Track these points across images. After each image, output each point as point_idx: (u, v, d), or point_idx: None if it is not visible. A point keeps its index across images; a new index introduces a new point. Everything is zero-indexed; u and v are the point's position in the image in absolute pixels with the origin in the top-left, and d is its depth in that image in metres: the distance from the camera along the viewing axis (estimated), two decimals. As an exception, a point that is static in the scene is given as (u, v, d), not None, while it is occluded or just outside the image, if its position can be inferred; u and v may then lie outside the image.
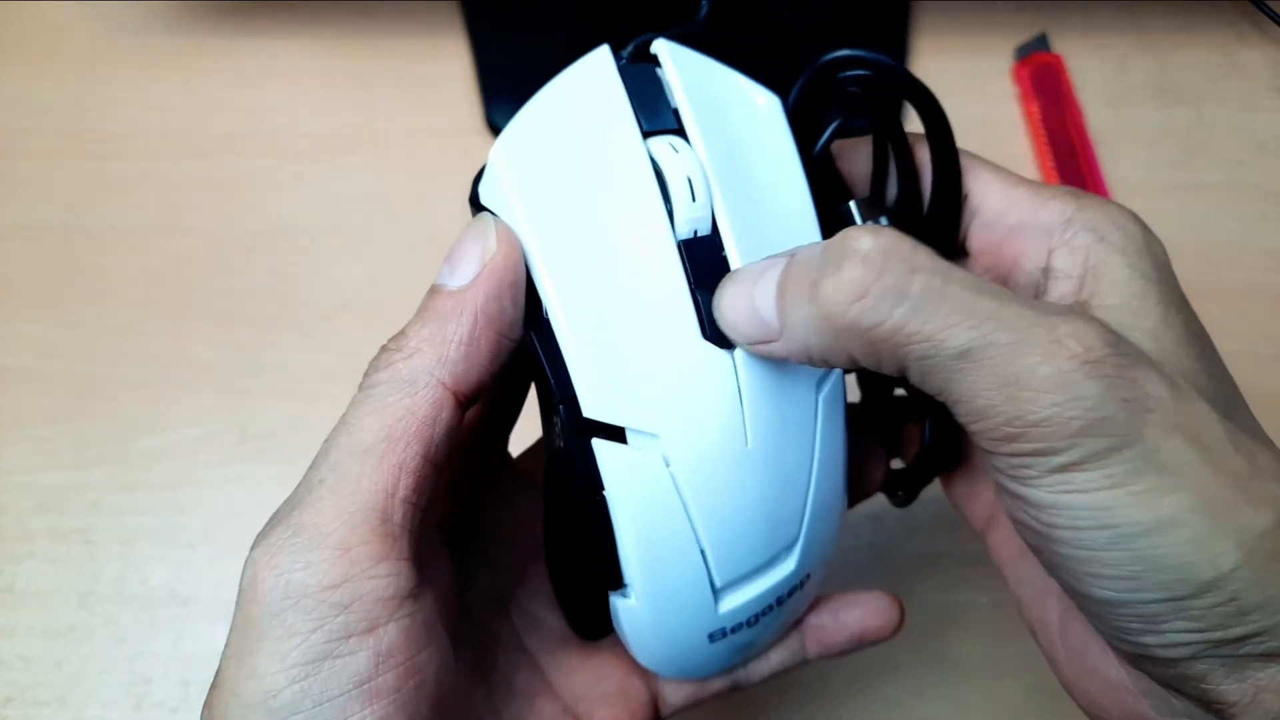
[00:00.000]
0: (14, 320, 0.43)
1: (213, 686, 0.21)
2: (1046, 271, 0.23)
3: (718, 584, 0.24)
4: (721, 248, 0.23)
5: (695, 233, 0.22)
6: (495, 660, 0.27)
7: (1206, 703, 0.20)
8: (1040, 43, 0.48)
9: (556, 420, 0.22)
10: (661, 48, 0.24)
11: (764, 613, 0.26)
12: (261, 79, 0.48)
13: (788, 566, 0.25)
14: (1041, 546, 0.20)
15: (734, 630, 0.25)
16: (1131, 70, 0.48)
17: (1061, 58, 0.48)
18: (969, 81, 0.48)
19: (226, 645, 0.21)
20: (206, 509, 0.40)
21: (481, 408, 0.27)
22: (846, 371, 0.25)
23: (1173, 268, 0.23)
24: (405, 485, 0.21)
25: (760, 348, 0.22)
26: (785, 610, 0.26)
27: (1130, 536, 0.18)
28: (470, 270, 0.22)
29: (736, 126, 0.24)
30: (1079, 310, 0.20)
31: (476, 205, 0.23)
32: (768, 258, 0.22)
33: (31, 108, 0.47)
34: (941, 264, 0.19)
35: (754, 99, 0.24)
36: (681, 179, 0.22)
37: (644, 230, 0.22)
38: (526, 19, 0.48)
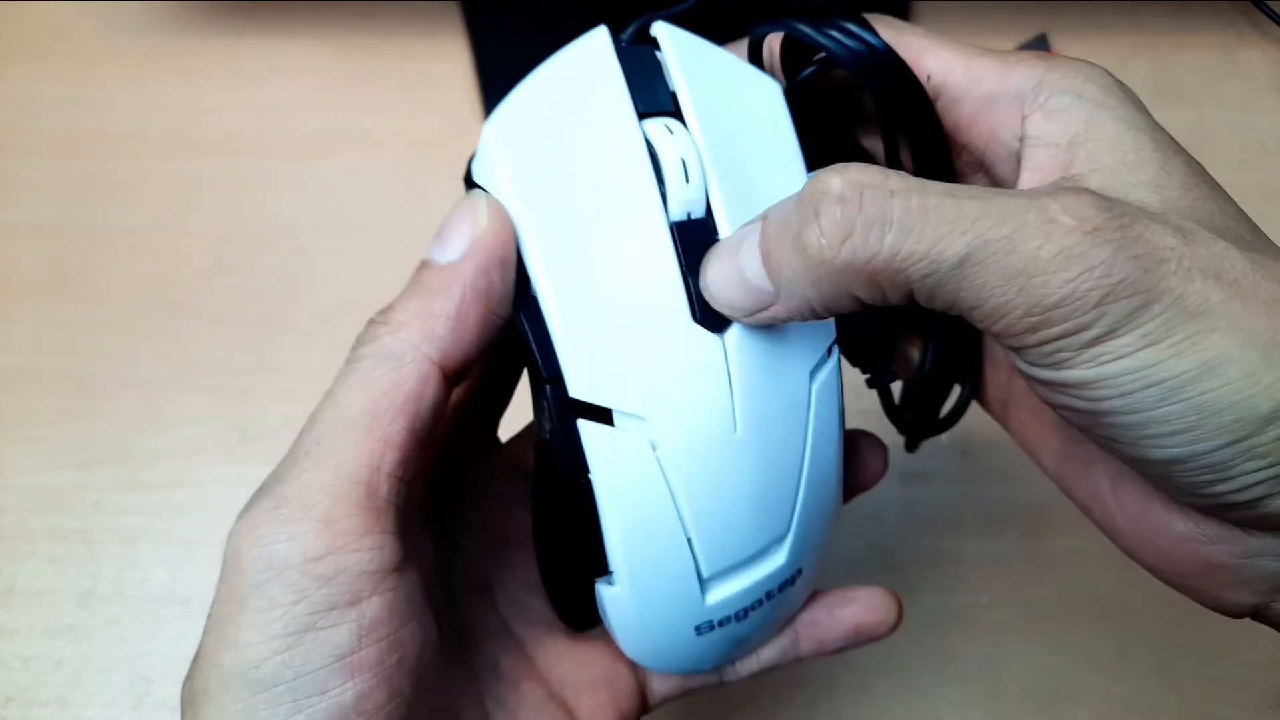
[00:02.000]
0: (14, 320, 0.43)
1: (194, 659, 0.21)
2: (1024, 140, 0.22)
3: (705, 574, 0.24)
4: (715, 231, 0.22)
5: (689, 215, 0.22)
6: (480, 643, 0.26)
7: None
8: (1040, 43, 0.48)
9: (544, 402, 0.22)
10: (661, 30, 0.24)
11: (753, 607, 0.25)
12: (261, 79, 0.48)
13: (777, 560, 0.25)
14: (1090, 424, 0.20)
15: (722, 624, 0.25)
16: (1131, 70, 0.48)
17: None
18: (969, 81, 0.48)
19: (208, 618, 0.21)
20: (206, 509, 0.40)
21: (471, 390, 0.27)
22: (844, 331, 0.25)
23: None
24: (390, 459, 0.21)
25: (761, 316, 0.21)
26: (776, 606, 0.26)
27: (1180, 388, 0.18)
28: (460, 246, 0.22)
29: (735, 111, 0.24)
30: (1064, 185, 0.20)
31: (470, 184, 0.23)
32: (742, 226, 0.21)
33: (31, 108, 0.47)
34: (916, 182, 0.19)
35: (754, 84, 0.24)
36: (675, 160, 0.22)
37: (636, 211, 0.22)
38: (526, 19, 0.48)
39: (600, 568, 0.23)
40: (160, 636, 0.38)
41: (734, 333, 0.22)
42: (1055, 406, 0.20)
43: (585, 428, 0.22)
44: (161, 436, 0.41)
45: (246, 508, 0.21)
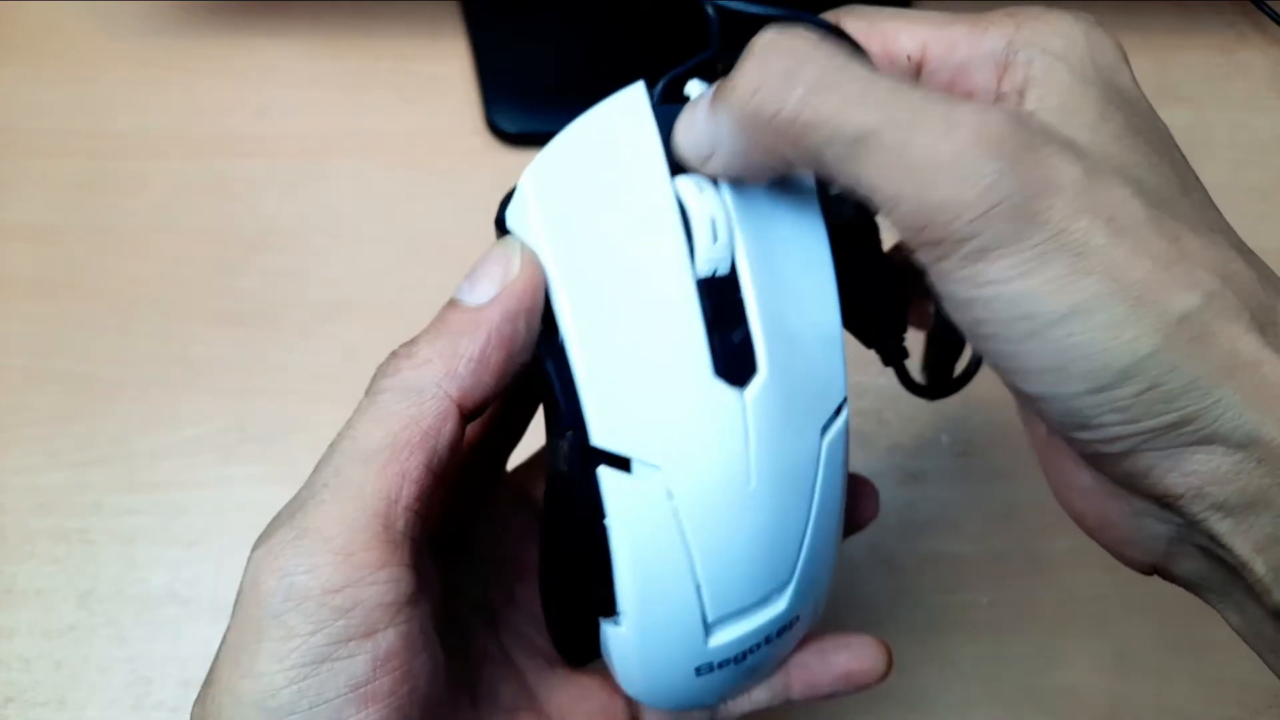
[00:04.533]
0: (14, 320, 0.43)
1: (206, 684, 0.21)
2: (997, 99, 0.22)
3: (709, 618, 0.24)
4: (739, 288, 0.23)
5: (714, 272, 0.23)
6: (481, 673, 0.27)
7: (1157, 497, 0.20)
8: (1040, 43, 0.48)
9: (563, 445, 0.22)
10: (695, 89, 0.24)
11: (752, 650, 0.26)
12: (261, 79, 0.48)
13: (779, 606, 0.25)
14: (976, 347, 0.20)
15: (721, 665, 0.25)
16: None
17: (1061, 58, 0.47)
18: (969, 81, 0.48)
19: (222, 645, 0.21)
20: (206, 509, 0.40)
21: (485, 422, 0.27)
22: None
23: (1129, 70, 0.22)
24: (407, 493, 0.21)
25: (708, 165, 0.22)
26: (773, 649, 0.27)
27: (1047, 326, 0.18)
28: (489, 290, 0.22)
29: None
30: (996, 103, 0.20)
31: (501, 228, 0.23)
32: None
33: (31, 108, 0.47)
34: (844, 55, 0.19)
35: None
36: (705, 219, 0.22)
37: (664, 266, 0.22)
38: (526, 19, 0.48)
39: (608, 608, 0.24)
40: (160, 636, 0.38)
41: (754, 388, 0.23)
42: (953, 322, 0.20)
43: (605, 475, 0.22)
44: (161, 436, 0.41)
45: (265, 536, 0.21)
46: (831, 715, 0.38)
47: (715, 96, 0.21)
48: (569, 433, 0.22)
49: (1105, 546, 0.23)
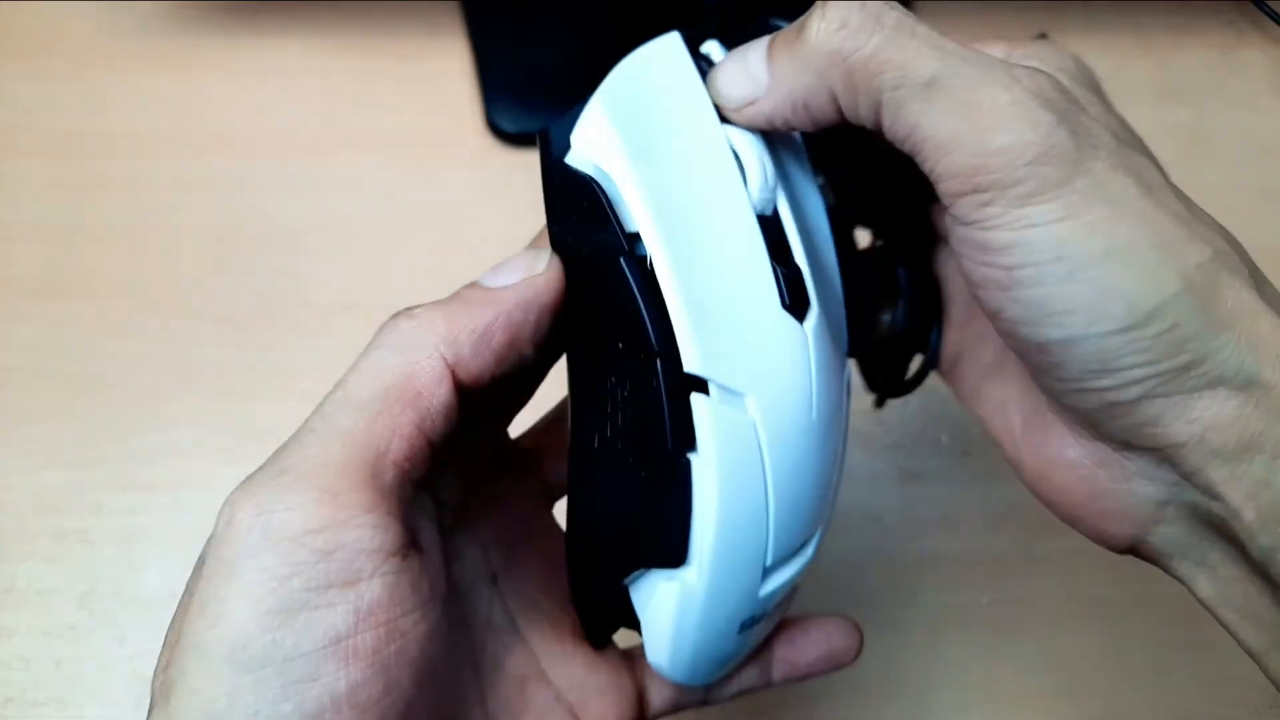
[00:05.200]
0: (13, 320, 0.43)
1: (166, 647, 0.20)
2: None
3: (769, 561, 0.23)
4: (783, 230, 0.24)
5: (763, 213, 0.23)
6: (485, 642, 0.26)
7: (1159, 449, 0.21)
8: (1040, 43, 0.48)
9: (652, 379, 0.22)
10: (714, 49, 0.25)
11: (779, 605, 0.25)
12: (261, 79, 0.48)
13: (807, 553, 0.25)
14: (1001, 303, 0.21)
15: (754, 622, 0.25)
16: (1131, 70, 0.48)
17: (1061, 58, 0.48)
18: (969, 81, 0.48)
19: (186, 596, 0.19)
20: (206, 509, 0.40)
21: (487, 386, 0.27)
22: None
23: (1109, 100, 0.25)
24: (397, 449, 0.20)
25: (749, 110, 0.23)
26: (776, 613, 0.26)
27: (1084, 265, 0.20)
28: (510, 277, 0.22)
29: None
30: None
31: (546, 148, 0.23)
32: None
33: (31, 108, 0.47)
34: (914, 17, 0.21)
35: None
36: (756, 160, 0.23)
37: (732, 200, 0.23)
38: (526, 19, 0.48)
39: (675, 555, 0.23)
40: (160, 636, 0.38)
41: (810, 322, 0.23)
42: (976, 279, 0.21)
43: (699, 402, 0.22)
44: (161, 436, 0.41)
45: (246, 479, 0.20)
46: (831, 715, 0.38)
47: (780, 42, 0.22)
48: (659, 361, 0.21)
49: (1083, 525, 0.24)
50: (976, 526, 0.40)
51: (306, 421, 0.21)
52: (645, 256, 0.22)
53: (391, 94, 0.48)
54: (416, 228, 0.45)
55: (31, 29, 0.49)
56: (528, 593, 0.27)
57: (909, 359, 0.29)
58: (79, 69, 0.48)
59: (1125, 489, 0.22)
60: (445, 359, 0.21)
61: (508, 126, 0.46)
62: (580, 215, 0.23)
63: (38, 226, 0.45)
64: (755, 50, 0.23)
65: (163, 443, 0.41)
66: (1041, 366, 0.22)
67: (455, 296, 0.22)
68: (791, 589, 0.26)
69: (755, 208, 0.23)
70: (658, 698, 0.28)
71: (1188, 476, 0.21)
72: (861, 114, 0.22)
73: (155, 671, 0.20)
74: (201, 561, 0.20)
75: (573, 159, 0.23)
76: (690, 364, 0.21)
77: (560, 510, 0.27)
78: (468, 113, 0.47)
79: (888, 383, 0.30)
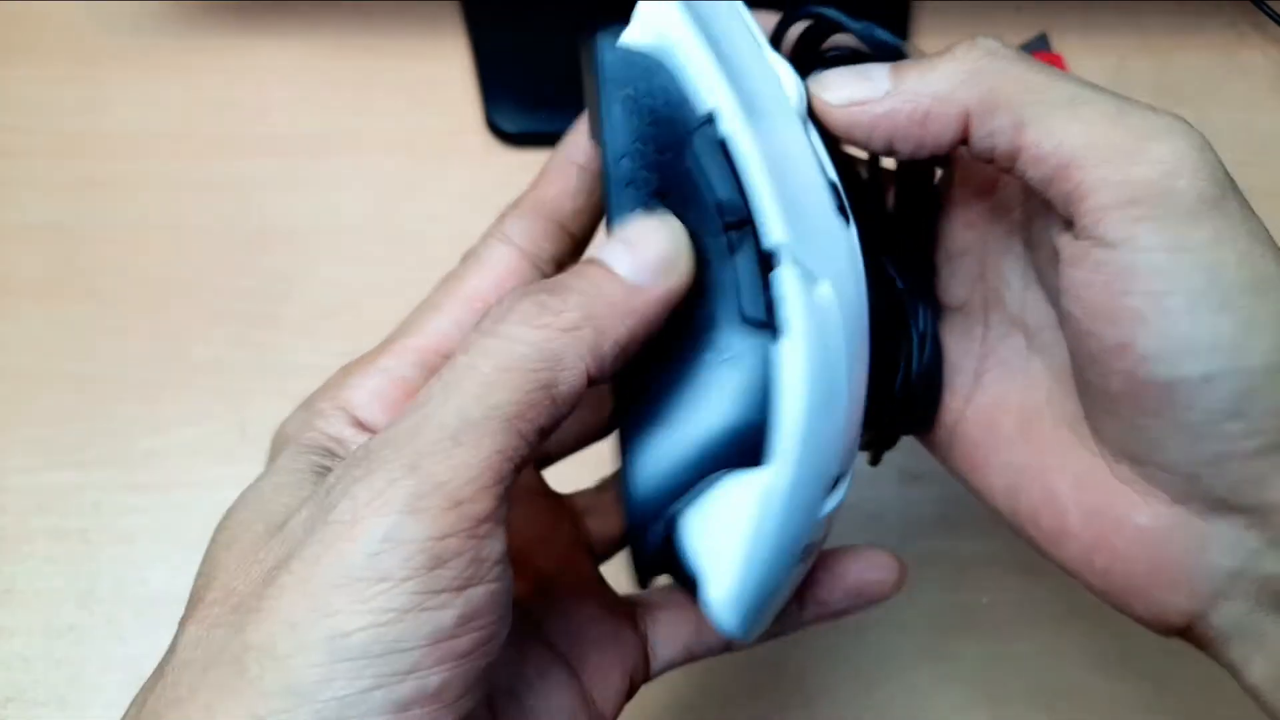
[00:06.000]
0: (14, 320, 0.43)
1: (244, 609, 0.20)
2: None
3: (838, 469, 0.22)
4: (814, 147, 0.24)
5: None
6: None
7: (1256, 510, 0.20)
8: (1040, 43, 0.48)
9: (730, 250, 0.21)
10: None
11: (822, 540, 0.24)
12: (261, 79, 0.48)
13: (845, 485, 0.24)
14: (1134, 337, 0.20)
15: (808, 554, 0.24)
16: (1131, 71, 0.48)
17: (1062, 58, 0.47)
18: (969, 81, 0.48)
19: (281, 572, 0.19)
20: (206, 509, 0.40)
21: None
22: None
23: None
24: (520, 455, 0.20)
25: (854, 109, 0.23)
26: (814, 555, 0.25)
27: (1236, 296, 0.19)
28: (654, 271, 0.21)
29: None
30: None
31: (602, 52, 0.23)
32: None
33: (31, 108, 0.47)
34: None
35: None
36: (794, 81, 0.24)
37: (788, 104, 0.23)
38: (526, 19, 0.48)
39: (752, 453, 0.21)
40: (160, 636, 0.38)
41: (851, 228, 0.24)
42: (1104, 313, 0.20)
43: (789, 275, 0.21)
44: (161, 436, 0.41)
45: (362, 459, 0.20)
46: (831, 714, 0.38)
47: (911, 61, 0.23)
48: (749, 227, 0.21)
49: (1140, 601, 0.22)
50: (976, 526, 0.40)
51: (431, 404, 0.20)
52: (720, 135, 0.22)
53: (391, 94, 0.48)
54: (416, 228, 0.45)
55: (31, 29, 0.49)
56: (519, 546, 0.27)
57: (913, 414, 0.28)
58: (79, 69, 0.48)
59: (1198, 559, 0.21)
60: (589, 373, 0.20)
61: (508, 126, 0.46)
62: (644, 97, 0.22)
63: (38, 226, 0.45)
64: (876, 65, 0.23)
65: (163, 443, 0.41)
66: (1158, 410, 0.20)
67: (598, 292, 0.21)
68: (829, 526, 0.24)
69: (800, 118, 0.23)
70: (667, 650, 0.27)
71: (1275, 542, 0.19)
72: (997, 131, 0.21)
73: (235, 627, 0.20)
74: (305, 540, 0.19)
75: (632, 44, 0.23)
76: (775, 235, 0.21)
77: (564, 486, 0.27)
78: (468, 113, 0.47)
79: (878, 439, 0.29)
